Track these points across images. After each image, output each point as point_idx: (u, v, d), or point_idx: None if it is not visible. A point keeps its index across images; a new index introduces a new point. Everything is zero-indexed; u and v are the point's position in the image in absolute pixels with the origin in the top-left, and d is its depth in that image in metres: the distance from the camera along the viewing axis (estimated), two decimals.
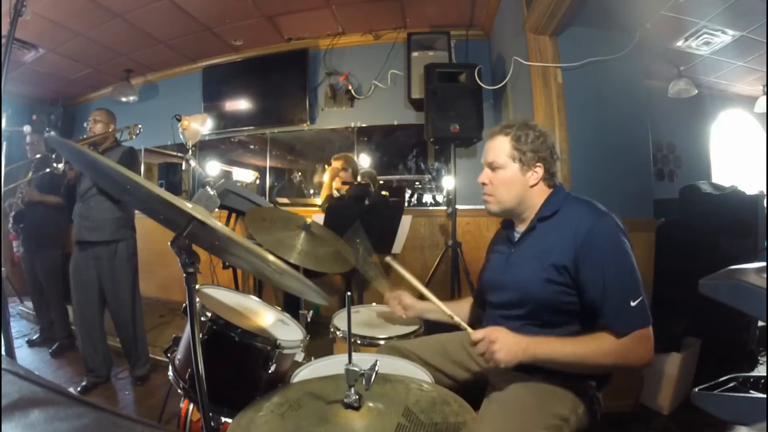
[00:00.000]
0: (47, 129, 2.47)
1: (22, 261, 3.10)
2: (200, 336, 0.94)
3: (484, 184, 1.24)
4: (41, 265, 2.98)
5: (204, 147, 4.34)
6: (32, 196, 2.81)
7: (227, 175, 3.98)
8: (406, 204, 3.78)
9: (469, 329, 1.10)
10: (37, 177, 2.72)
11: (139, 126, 2.42)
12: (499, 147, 1.21)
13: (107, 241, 2.36)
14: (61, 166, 2.23)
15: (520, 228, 1.25)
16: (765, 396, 0.82)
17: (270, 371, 1.08)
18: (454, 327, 1.29)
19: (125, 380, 2.55)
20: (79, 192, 2.40)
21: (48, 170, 2.26)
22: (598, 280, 1.05)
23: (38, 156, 2.80)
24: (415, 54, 3.38)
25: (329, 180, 2.90)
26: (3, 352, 1.67)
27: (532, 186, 1.19)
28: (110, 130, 2.43)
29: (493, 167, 1.22)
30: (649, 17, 2.47)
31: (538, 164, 1.18)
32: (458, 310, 1.43)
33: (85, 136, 2.42)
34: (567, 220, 1.13)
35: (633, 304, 1.02)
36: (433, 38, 3.41)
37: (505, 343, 1.02)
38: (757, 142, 4.59)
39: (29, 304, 3.61)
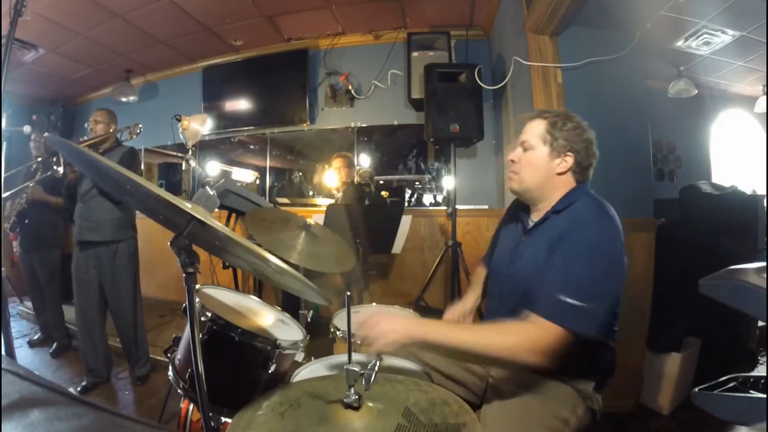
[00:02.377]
0: (39, 130, 2.46)
1: (21, 260, 3.10)
2: (200, 336, 0.94)
3: (512, 161, 1.23)
4: (40, 265, 2.98)
5: (204, 147, 4.34)
6: (37, 195, 2.80)
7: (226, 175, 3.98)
8: (406, 204, 3.79)
9: (359, 318, 1.01)
10: (39, 180, 2.71)
11: (140, 126, 2.42)
12: (534, 129, 1.20)
13: (108, 241, 2.36)
14: (60, 168, 2.23)
15: (534, 217, 1.24)
16: (765, 396, 0.82)
17: (270, 371, 1.08)
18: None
19: (125, 380, 2.55)
20: (80, 193, 2.40)
21: (49, 173, 2.26)
22: (552, 265, 1.04)
23: (39, 159, 2.80)
24: (415, 54, 3.38)
25: (342, 175, 3.24)
26: (3, 352, 1.67)
27: (559, 174, 1.17)
28: (111, 131, 2.44)
29: (524, 147, 1.21)
30: (649, 17, 2.47)
31: (569, 153, 1.16)
32: (476, 294, 1.46)
33: (86, 137, 2.42)
34: (573, 215, 1.11)
35: (563, 298, 0.97)
36: (433, 38, 3.41)
37: (382, 331, 0.97)
38: (757, 142, 4.59)
39: (29, 304, 3.60)
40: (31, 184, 2.69)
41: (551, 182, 1.18)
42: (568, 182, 1.18)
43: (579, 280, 1.00)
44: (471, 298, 1.42)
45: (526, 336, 0.98)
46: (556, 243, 1.06)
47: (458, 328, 1.05)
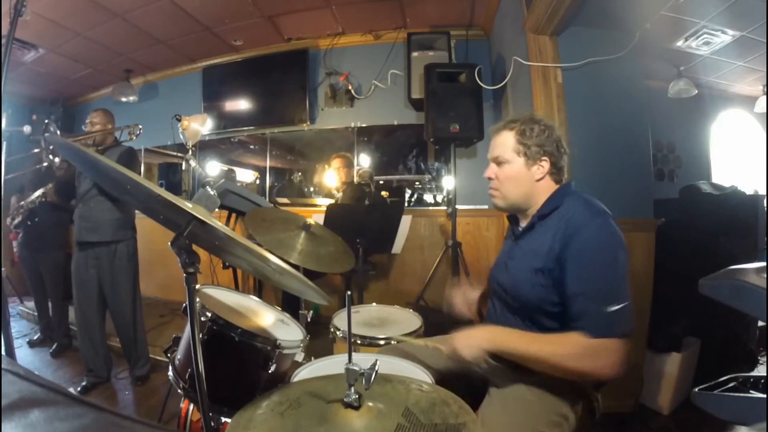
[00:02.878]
0: (45, 122, 2.44)
1: (24, 261, 3.09)
2: (200, 336, 0.94)
3: (490, 179, 1.22)
4: (47, 265, 2.98)
5: (204, 147, 4.34)
6: (54, 199, 2.79)
7: (229, 173, 3.98)
8: (405, 204, 3.79)
9: (441, 346, 1.13)
10: (30, 174, 2.69)
11: (140, 126, 2.41)
12: (504, 142, 1.19)
13: (107, 241, 2.36)
14: (57, 159, 2.22)
15: (523, 223, 1.24)
16: (765, 396, 0.82)
17: (270, 371, 1.08)
18: (454, 329, 1.30)
19: (125, 380, 2.55)
20: (79, 193, 2.40)
21: (45, 164, 2.25)
22: (577, 279, 1.03)
23: (35, 150, 2.78)
24: (415, 54, 3.38)
25: (341, 176, 3.25)
26: (3, 352, 1.67)
27: (538, 180, 1.17)
28: (108, 129, 2.43)
29: (498, 162, 1.20)
30: (649, 17, 2.47)
31: (544, 158, 1.16)
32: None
33: (84, 134, 2.41)
34: (561, 219, 1.11)
35: (609, 309, 0.99)
36: (433, 38, 3.41)
37: (465, 342, 1.07)
38: (757, 142, 4.59)
39: (29, 304, 3.61)
40: (50, 186, 2.67)
41: (534, 190, 1.18)
42: (548, 185, 1.19)
43: (609, 284, 1.02)
44: (479, 290, 1.43)
45: (596, 359, 0.98)
46: (561, 253, 1.06)
47: (523, 338, 1.06)
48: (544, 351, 1.02)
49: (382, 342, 1.49)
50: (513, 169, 1.18)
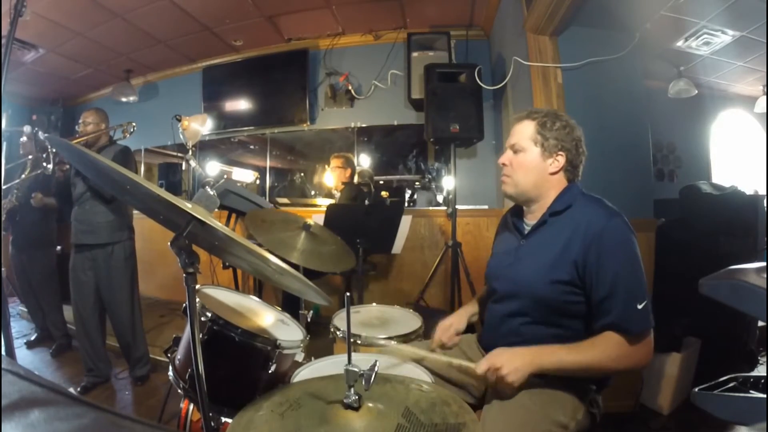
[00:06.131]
0: (35, 129, 2.44)
1: (12, 260, 3.06)
2: (200, 336, 0.94)
3: (504, 165, 1.22)
4: (35, 265, 2.97)
5: (204, 147, 4.34)
6: (37, 201, 2.78)
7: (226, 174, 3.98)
8: (405, 204, 3.79)
9: (471, 365, 1.09)
10: (29, 178, 2.68)
11: (133, 124, 2.40)
12: (524, 130, 1.19)
13: (103, 243, 2.35)
14: (50, 166, 2.22)
15: (530, 220, 1.23)
16: (765, 396, 0.82)
17: (270, 371, 1.08)
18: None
19: (125, 380, 2.55)
20: (74, 196, 2.39)
21: (39, 171, 2.25)
22: (607, 280, 1.04)
23: (29, 157, 2.78)
24: (415, 54, 3.38)
25: (336, 176, 3.20)
26: (3, 352, 1.67)
27: (551, 174, 1.17)
28: (102, 128, 2.42)
29: (515, 149, 1.20)
30: (649, 17, 2.48)
31: (561, 153, 1.16)
32: (474, 309, 1.44)
33: (77, 134, 2.40)
34: (577, 218, 1.11)
35: (639, 306, 1.02)
36: (433, 38, 3.41)
37: (511, 364, 1.02)
38: (757, 142, 4.59)
39: None
40: (24, 180, 2.65)
41: (545, 182, 1.18)
42: (560, 182, 1.19)
43: (637, 283, 1.04)
44: (464, 317, 1.39)
45: (633, 355, 1.03)
46: (583, 257, 1.06)
47: (565, 350, 1.05)
48: (586, 359, 1.03)
49: (382, 342, 1.49)
50: (527, 158, 1.18)
